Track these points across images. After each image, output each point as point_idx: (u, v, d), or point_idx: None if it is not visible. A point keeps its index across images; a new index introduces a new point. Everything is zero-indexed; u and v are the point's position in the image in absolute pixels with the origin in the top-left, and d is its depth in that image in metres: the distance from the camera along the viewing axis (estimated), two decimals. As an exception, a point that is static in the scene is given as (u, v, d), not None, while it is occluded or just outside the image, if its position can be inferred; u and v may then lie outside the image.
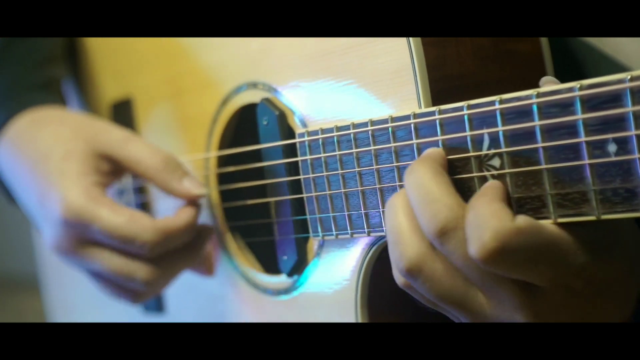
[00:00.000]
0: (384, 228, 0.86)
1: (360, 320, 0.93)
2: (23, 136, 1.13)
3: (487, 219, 0.71)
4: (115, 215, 1.02)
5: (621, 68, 0.95)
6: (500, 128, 0.75)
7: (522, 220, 0.71)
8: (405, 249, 0.77)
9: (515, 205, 0.75)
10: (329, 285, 0.97)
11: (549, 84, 0.76)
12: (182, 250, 1.06)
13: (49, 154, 1.08)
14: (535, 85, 0.91)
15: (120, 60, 1.27)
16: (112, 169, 1.09)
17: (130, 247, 1.02)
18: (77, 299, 1.40)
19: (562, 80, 0.93)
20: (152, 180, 1.07)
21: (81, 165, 1.06)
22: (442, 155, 0.79)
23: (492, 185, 0.75)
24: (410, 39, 0.85)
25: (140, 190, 1.23)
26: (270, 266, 1.07)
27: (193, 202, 1.06)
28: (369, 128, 0.86)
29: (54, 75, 1.24)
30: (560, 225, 0.73)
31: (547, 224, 0.73)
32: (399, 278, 0.81)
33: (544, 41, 0.91)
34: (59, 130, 1.10)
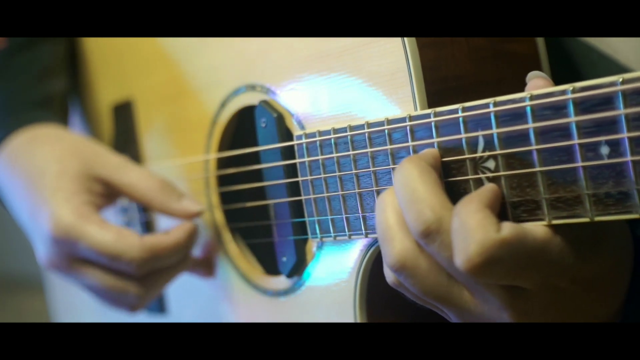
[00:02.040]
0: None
1: (358, 321, 0.94)
2: (20, 153, 1.14)
3: (472, 231, 0.71)
4: (102, 232, 1.03)
5: (620, 68, 0.95)
6: (494, 130, 0.75)
7: (507, 230, 0.71)
8: (392, 245, 0.77)
9: (510, 207, 0.75)
10: (327, 286, 0.97)
11: (537, 79, 0.76)
12: (170, 268, 1.08)
13: (44, 171, 1.09)
14: (532, 86, 0.91)
15: (121, 62, 1.28)
16: (105, 192, 1.10)
17: (117, 264, 1.03)
18: (81, 298, 1.41)
19: (559, 81, 0.94)
20: (150, 203, 1.08)
21: (74, 185, 1.07)
22: (434, 155, 0.79)
23: (481, 190, 0.75)
24: (406, 41, 0.85)
25: (144, 209, 1.24)
26: (270, 267, 1.07)
27: (188, 224, 1.08)
28: (366, 130, 0.87)
29: (54, 90, 1.24)
30: (546, 226, 0.73)
31: (532, 227, 0.73)
32: (388, 275, 0.81)
33: (541, 42, 0.92)
34: (55, 149, 1.12)
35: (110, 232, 1.03)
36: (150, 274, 1.06)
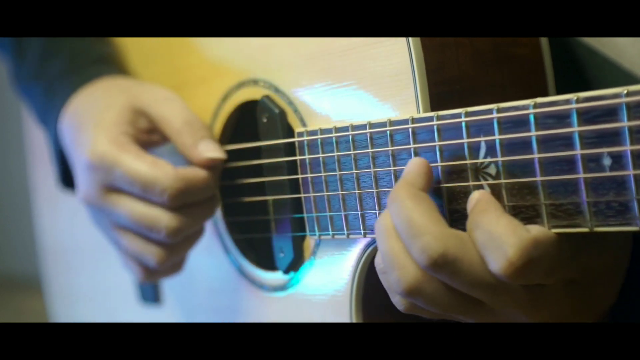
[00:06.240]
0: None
1: (354, 320, 0.94)
2: (80, 104, 1.14)
3: (505, 237, 0.72)
4: (137, 161, 1.02)
5: (624, 72, 0.95)
6: (496, 137, 0.75)
7: (536, 229, 0.73)
8: (403, 273, 0.77)
9: (509, 213, 0.75)
10: (324, 284, 0.97)
11: None
12: (202, 204, 1.05)
13: (93, 107, 1.10)
14: (535, 89, 0.91)
15: (124, 51, 1.27)
16: (150, 128, 1.09)
17: (151, 193, 1.01)
18: (79, 298, 1.41)
19: (563, 84, 0.94)
20: (172, 141, 1.06)
21: (116, 116, 1.07)
22: (422, 174, 0.79)
23: (486, 198, 0.76)
24: (410, 42, 0.85)
25: None
26: (268, 262, 1.07)
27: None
28: (367, 130, 0.87)
29: (110, 50, 1.24)
30: None
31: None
32: (400, 303, 0.82)
33: (545, 45, 0.91)
34: (109, 90, 1.13)
35: (145, 161, 1.02)
36: (182, 208, 1.03)
